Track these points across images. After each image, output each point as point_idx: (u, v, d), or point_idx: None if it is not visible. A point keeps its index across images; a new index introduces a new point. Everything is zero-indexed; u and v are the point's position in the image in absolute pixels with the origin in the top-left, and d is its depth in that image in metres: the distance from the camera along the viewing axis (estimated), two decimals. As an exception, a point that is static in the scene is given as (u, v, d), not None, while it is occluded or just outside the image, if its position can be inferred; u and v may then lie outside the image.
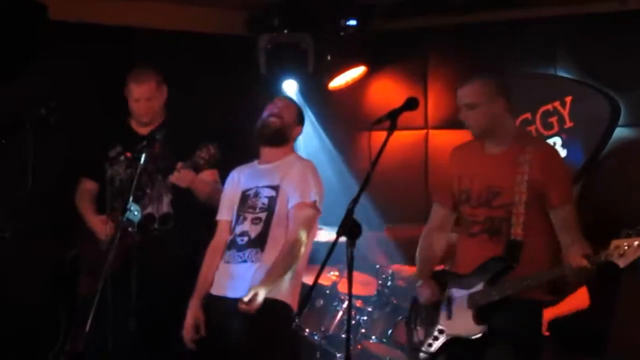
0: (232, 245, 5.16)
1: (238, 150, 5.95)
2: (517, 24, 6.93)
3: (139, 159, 5.31)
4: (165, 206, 5.70)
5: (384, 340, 6.23)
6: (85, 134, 6.29)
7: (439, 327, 4.74)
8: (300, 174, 5.15)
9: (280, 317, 4.98)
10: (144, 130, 5.80)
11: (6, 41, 6.06)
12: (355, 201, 4.04)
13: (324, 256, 4.09)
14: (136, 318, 5.29)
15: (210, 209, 5.68)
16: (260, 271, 5.01)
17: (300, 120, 5.43)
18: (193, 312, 5.16)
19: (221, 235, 5.30)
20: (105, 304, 5.04)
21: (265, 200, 5.13)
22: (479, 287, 4.58)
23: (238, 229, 5.16)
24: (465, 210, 4.81)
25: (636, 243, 4.08)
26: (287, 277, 5.01)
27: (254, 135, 5.36)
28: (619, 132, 6.55)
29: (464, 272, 4.71)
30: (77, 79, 6.62)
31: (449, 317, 4.71)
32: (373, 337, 6.24)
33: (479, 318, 4.57)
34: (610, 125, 6.55)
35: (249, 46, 7.30)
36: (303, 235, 5.04)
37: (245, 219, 5.15)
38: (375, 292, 6.39)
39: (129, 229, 5.36)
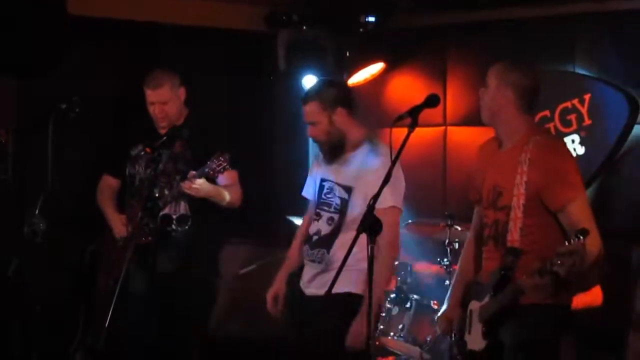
0: (308, 239, 5.09)
1: (258, 147, 5.96)
2: (537, 21, 6.91)
3: (160, 155, 5.34)
4: (182, 207, 5.62)
5: (402, 336, 6.23)
6: (108, 131, 6.33)
7: (465, 340, 4.58)
8: (378, 178, 4.24)
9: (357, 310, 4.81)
10: (165, 131, 5.77)
11: (26, 37, 6.08)
12: (376, 197, 4.03)
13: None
14: (158, 317, 5.34)
15: (231, 210, 5.71)
16: (324, 273, 4.91)
17: (338, 103, 4.97)
18: (275, 284, 5.17)
19: (310, 214, 5.22)
20: (122, 300, 5.07)
21: (338, 201, 4.96)
22: (486, 299, 4.37)
23: (314, 227, 5.06)
24: (480, 212, 4.62)
25: (571, 250, 3.79)
26: (358, 267, 4.65)
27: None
28: (638, 130, 6.53)
29: (483, 282, 4.50)
30: (100, 75, 6.65)
31: (470, 331, 4.52)
32: (391, 333, 6.24)
33: (485, 332, 4.36)
34: (628, 123, 6.53)
35: (268, 42, 7.32)
36: (397, 244, 4.97)
37: (321, 216, 5.03)
38: (395, 289, 6.38)
39: (147, 227, 5.41)
